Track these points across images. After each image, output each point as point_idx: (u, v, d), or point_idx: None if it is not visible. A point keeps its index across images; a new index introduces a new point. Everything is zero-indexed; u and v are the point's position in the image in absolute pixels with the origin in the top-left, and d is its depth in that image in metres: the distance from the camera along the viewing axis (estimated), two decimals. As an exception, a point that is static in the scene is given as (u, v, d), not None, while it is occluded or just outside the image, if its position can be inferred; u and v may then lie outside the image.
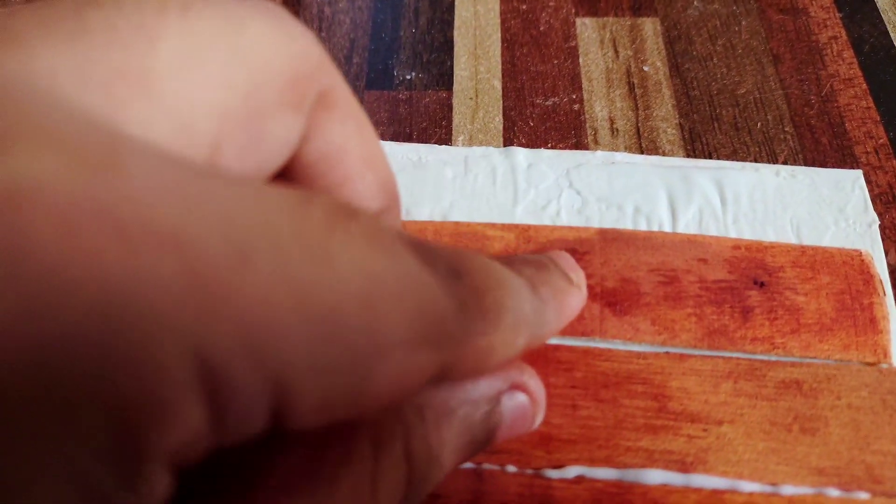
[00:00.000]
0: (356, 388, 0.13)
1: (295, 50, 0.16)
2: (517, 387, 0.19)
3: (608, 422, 0.28)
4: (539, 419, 0.20)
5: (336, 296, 0.12)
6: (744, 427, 0.27)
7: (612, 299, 0.30)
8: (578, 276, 0.21)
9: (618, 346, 0.29)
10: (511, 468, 0.27)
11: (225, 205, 0.11)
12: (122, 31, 0.13)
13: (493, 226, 0.32)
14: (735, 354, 0.29)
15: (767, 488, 0.26)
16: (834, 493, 0.26)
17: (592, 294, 0.30)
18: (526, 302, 0.18)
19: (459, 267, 0.15)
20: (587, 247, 0.31)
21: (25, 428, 0.09)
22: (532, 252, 0.31)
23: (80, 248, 0.10)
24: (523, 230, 0.32)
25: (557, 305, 0.19)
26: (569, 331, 0.29)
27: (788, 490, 0.26)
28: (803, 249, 0.31)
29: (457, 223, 0.32)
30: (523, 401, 0.19)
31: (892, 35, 0.39)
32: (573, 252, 0.31)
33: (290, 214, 0.12)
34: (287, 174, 0.18)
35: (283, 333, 0.11)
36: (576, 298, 0.21)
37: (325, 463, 0.14)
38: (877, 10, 0.41)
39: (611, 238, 0.31)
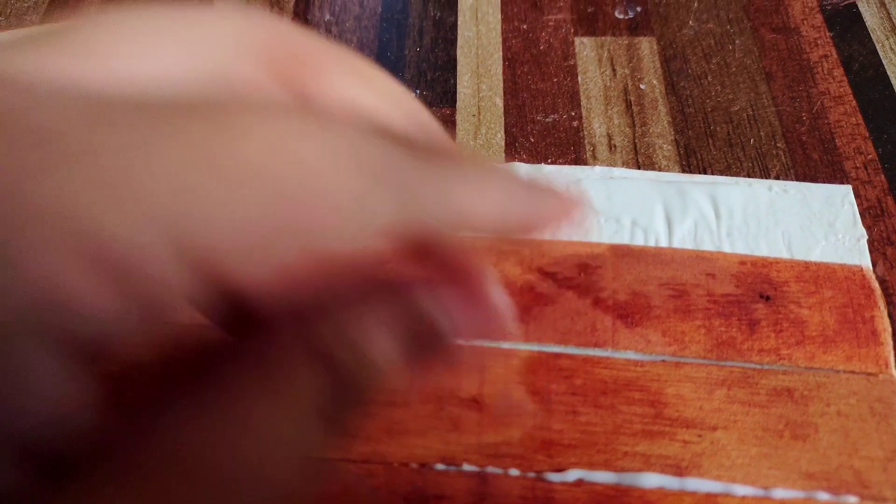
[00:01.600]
0: (309, 250, 0.13)
1: (252, 23, 0.17)
2: (469, 286, 0.17)
3: (607, 427, 0.29)
4: (509, 329, 0.18)
5: (255, 166, 0.12)
6: (737, 433, 0.28)
7: (624, 312, 0.31)
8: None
9: (618, 354, 0.31)
10: (514, 472, 0.28)
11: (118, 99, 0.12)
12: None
13: (507, 241, 0.33)
14: (743, 364, 0.30)
15: (759, 492, 0.27)
16: (824, 496, 0.27)
17: (604, 307, 0.31)
18: (500, 181, 0.16)
19: (435, 145, 0.15)
20: (599, 261, 0.32)
21: None
22: (546, 266, 0.32)
23: None
24: (537, 245, 0.33)
25: (535, 196, 0.17)
26: (581, 341, 0.31)
27: (780, 494, 0.27)
28: (807, 265, 0.32)
29: (472, 238, 0.33)
30: (478, 299, 0.17)
31: (880, 54, 0.41)
32: (585, 267, 0.32)
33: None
34: None
35: (200, 208, 0.11)
36: (562, 203, 0.17)
37: (256, 366, 0.14)
38: (866, 29, 0.42)
39: (622, 253, 0.33)
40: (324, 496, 0.27)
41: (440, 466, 0.28)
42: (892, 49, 0.41)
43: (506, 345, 0.31)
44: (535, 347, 0.31)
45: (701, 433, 0.28)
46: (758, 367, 0.30)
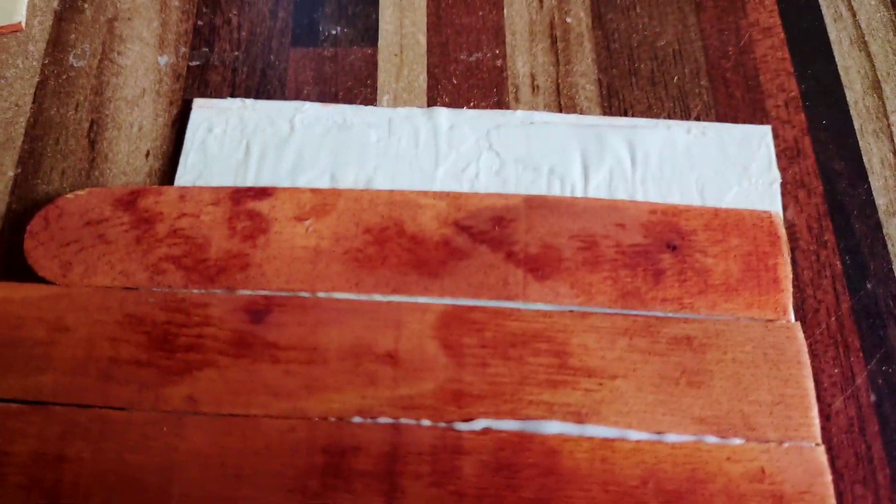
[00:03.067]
0: None
1: None
2: None
3: (514, 378, 0.30)
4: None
5: None
6: (636, 381, 0.30)
7: (535, 265, 0.32)
8: None
9: (528, 306, 0.32)
10: (426, 422, 0.30)
11: None
12: None
13: (425, 194, 0.34)
14: (646, 313, 0.31)
15: (653, 437, 0.29)
16: (711, 439, 0.29)
17: (516, 260, 0.32)
18: None
19: None
20: (513, 214, 0.33)
21: None
22: (462, 220, 0.33)
23: None
24: (454, 198, 0.33)
25: None
26: (493, 294, 0.32)
27: (671, 438, 0.29)
28: (716, 212, 0.33)
29: (391, 192, 0.34)
30: None
31: (815, -21, 0.40)
32: (500, 220, 0.33)
33: None
34: None
35: None
36: None
37: None
38: (803, -49, 0.41)
39: (536, 205, 0.33)
40: (247, 451, 0.29)
41: (357, 419, 0.30)
42: (827, -27, 0.40)
43: (421, 299, 0.32)
44: (448, 301, 0.32)
45: (601, 381, 0.30)
46: (661, 315, 0.31)
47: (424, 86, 0.37)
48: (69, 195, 0.34)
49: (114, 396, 0.30)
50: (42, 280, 0.32)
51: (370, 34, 0.38)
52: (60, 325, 0.31)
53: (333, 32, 0.38)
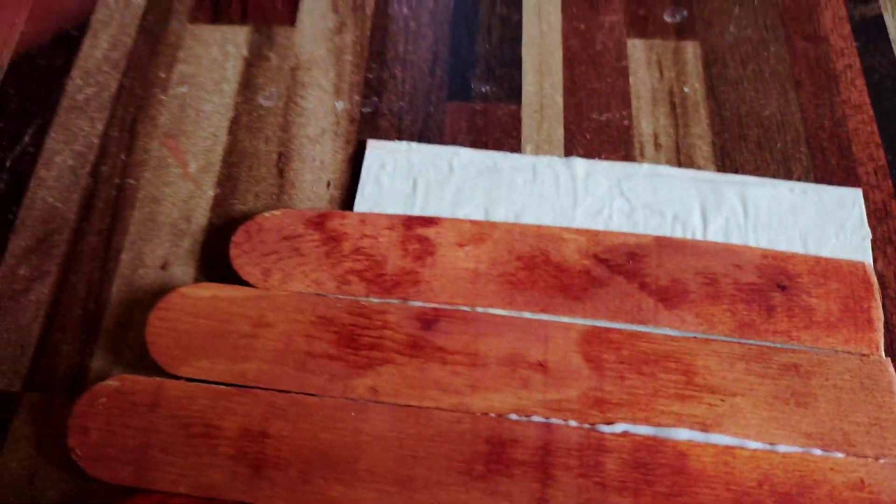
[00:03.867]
0: None
1: None
2: None
3: (648, 390, 0.36)
4: None
5: None
6: (752, 399, 0.35)
7: (665, 295, 0.38)
8: None
9: (657, 330, 0.37)
10: (573, 423, 0.35)
11: None
12: None
13: (568, 230, 0.39)
14: (760, 342, 0.37)
15: (767, 447, 0.34)
16: (817, 452, 0.34)
17: (648, 290, 0.38)
18: None
19: None
20: (645, 251, 0.39)
21: None
22: (600, 254, 0.39)
23: None
24: (593, 234, 0.39)
25: None
26: (629, 318, 0.37)
27: (783, 448, 0.34)
28: (818, 260, 0.39)
29: (538, 226, 0.40)
30: None
31: (898, 65, 0.46)
32: (634, 255, 0.39)
33: None
34: None
35: None
36: None
37: None
38: (888, 40, 0.47)
39: (665, 245, 0.39)
40: (421, 436, 0.35)
41: (514, 416, 0.35)
42: (909, 60, 0.46)
43: (566, 319, 0.37)
44: (589, 322, 0.37)
45: (723, 398, 0.35)
46: (772, 345, 0.37)
47: (562, 139, 0.43)
48: (266, 214, 0.40)
49: (308, 384, 0.36)
50: (245, 283, 0.38)
51: (515, 93, 0.45)
52: (263, 322, 0.37)
53: (483, 90, 0.45)
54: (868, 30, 0.47)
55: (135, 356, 0.37)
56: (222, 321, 0.37)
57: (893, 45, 0.47)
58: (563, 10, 0.48)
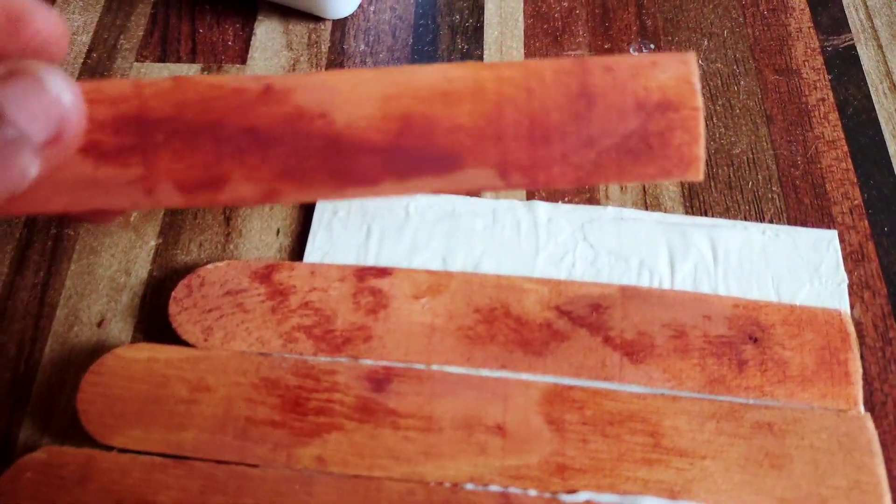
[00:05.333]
0: None
1: None
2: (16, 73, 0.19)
3: (612, 455, 0.33)
4: (72, 119, 0.21)
5: None
6: (723, 462, 0.33)
7: (630, 350, 0.35)
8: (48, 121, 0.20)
9: (622, 387, 0.35)
10: (532, 492, 0.33)
11: None
12: None
13: (529, 280, 0.37)
14: (731, 399, 0.35)
15: (740, 514, 0.32)
16: (793, 519, 0.32)
17: (613, 344, 0.36)
18: None
19: None
20: (609, 302, 0.37)
21: None
22: (562, 305, 0.36)
23: None
24: (555, 285, 0.37)
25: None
26: (592, 375, 0.35)
27: (757, 516, 0.32)
28: (792, 309, 0.37)
29: (498, 276, 0.37)
30: (28, 85, 0.19)
31: (874, 98, 0.44)
32: (597, 307, 0.36)
33: None
34: None
35: None
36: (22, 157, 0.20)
37: None
38: (862, 72, 0.45)
39: (630, 295, 0.37)
40: (370, 509, 0.32)
41: (470, 486, 0.33)
42: (884, 93, 0.44)
43: (526, 376, 0.35)
44: (551, 379, 0.35)
45: (692, 461, 0.33)
46: (744, 401, 0.35)
47: (524, 180, 0.41)
48: (209, 266, 0.37)
49: (250, 454, 0.33)
50: (183, 343, 0.36)
51: (474, 131, 0.43)
52: (202, 386, 0.35)
53: None
54: (841, 62, 0.46)
55: (66, 424, 0.35)
56: (158, 385, 0.35)
57: (867, 77, 0.45)
58: (526, 44, 0.46)
